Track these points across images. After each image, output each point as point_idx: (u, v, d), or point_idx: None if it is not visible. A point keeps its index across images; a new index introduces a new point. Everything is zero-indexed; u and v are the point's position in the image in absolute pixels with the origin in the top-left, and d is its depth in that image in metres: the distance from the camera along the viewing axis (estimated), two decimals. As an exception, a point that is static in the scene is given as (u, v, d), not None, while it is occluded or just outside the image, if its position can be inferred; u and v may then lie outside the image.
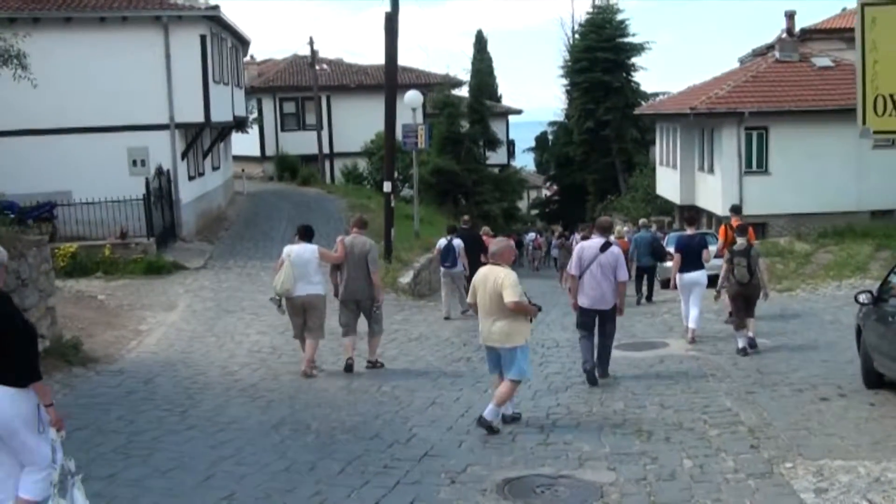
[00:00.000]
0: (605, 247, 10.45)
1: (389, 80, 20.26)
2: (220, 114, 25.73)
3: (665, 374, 11.06)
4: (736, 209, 15.54)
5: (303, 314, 11.14)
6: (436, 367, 12.15)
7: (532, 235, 41.13)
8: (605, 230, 11.00)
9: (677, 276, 13.51)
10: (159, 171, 22.94)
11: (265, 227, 27.28)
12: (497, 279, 8.29)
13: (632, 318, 16.34)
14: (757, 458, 7.28)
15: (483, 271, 8.61)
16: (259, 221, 28.56)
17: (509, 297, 8.16)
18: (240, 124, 32.14)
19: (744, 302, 12.36)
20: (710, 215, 29.50)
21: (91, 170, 22.18)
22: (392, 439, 8.26)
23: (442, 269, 17.08)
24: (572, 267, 10.71)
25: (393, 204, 20.30)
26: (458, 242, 16.88)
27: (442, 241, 17.20)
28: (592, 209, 49.07)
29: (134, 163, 23.75)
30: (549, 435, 8.38)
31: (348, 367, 11.34)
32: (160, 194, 22.84)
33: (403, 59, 45.19)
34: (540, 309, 8.72)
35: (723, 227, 15.38)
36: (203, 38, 23.94)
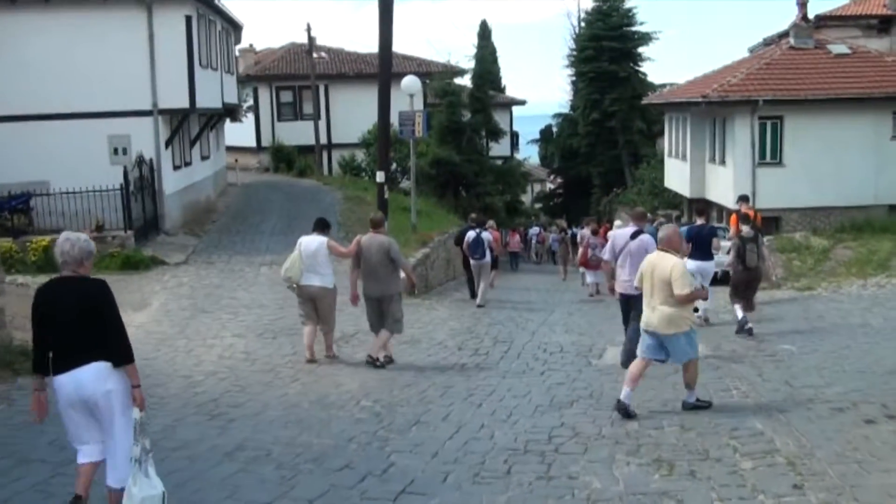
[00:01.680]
0: (635, 235, 11.07)
1: (384, 64, 18.98)
2: (207, 100, 24.45)
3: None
4: (744, 198, 16.10)
5: (312, 303, 11.34)
6: (425, 375, 10.90)
7: (536, 230, 39.86)
8: (640, 219, 11.67)
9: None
10: (140, 160, 21.68)
11: (255, 220, 26.03)
12: (666, 268, 8.40)
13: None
14: (803, 502, 6.02)
15: (652, 258, 8.76)
16: (249, 214, 27.31)
17: (679, 289, 8.27)
18: (231, 112, 30.85)
19: (749, 286, 13.18)
20: (721, 209, 28.17)
21: (70, 158, 20.90)
22: (365, 470, 7.01)
23: (472, 260, 18.25)
24: (606, 253, 11.54)
25: (387, 195, 19.04)
26: (486, 235, 18.28)
27: (471, 234, 18.22)
28: (598, 202, 47.83)
29: (115, 151, 22.43)
30: (550, 466, 7.13)
31: (369, 361, 11.27)
32: (141, 184, 21.59)
33: (409, 51, 43.94)
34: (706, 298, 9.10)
35: (734, 215, 15.72)
36: (188, 18, 22.65)
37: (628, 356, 10.30)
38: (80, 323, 5.55)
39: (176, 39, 22.42)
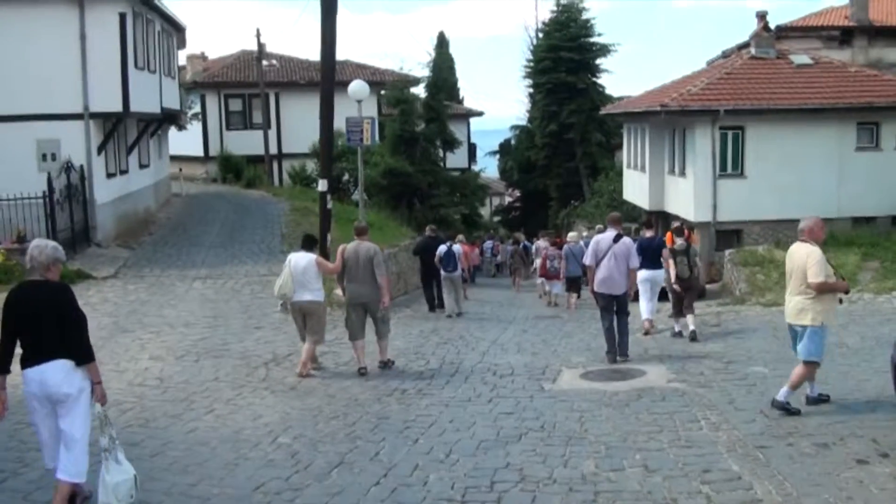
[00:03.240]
0: (617, 238, 11.99)
1: (326, 65, 17.73)
2: (143, 104, 23.03)
3: (646, 417, 8.71)
4: (681, 228, 15.95)
5: (303, 318, 11.40)
6: (359, 403, 9.71)
7: (489, 243, 38.97)
8: (616, 223, 12.47)
9: (639, 273, 13.93)
10: (68, 167, 20.26)
11: (195, 232, 24.64)
12: (802, 257, 8.33)
13: (592, 330, 14.19)
14: (796, 572, 4.95)
15: (791, 249, 8.68)
16: (190, 225, 25.91)
17: (812, 276, 8.15)
18: (172, 119, 29.39)
19: (684, 294, 13.86)
20: (682, 221, 27.34)
21: (-6, 164, 19.51)
22: (268, 529, 5.82)
23: (443, 272, 18.43)
24: (588, 258, 12.30)
25: (329, 205, 17.75)
26: (457, 248, 18.91)
27: (442, 248, 18.64)
28: (555, 215, 46.99)
29: (44, 157, 21.12)
30: (491, 521, 5.99)
31: (362, 373, 11.38)
32: (69, 193, 20.18)
33: (365, 62, 42.61)
34: (848, 291, 8.56)
35: (669, 232, 16.77)
36: (122, 16, 21.29)
37: (623, 348, 11.97)
38: (45, 323, 5.96)
39: (109, 38, 21.10)
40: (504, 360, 12.41)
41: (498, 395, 10.05)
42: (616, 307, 12.03)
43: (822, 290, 8.20)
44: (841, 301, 8.57)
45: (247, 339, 13.46)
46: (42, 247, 6.15)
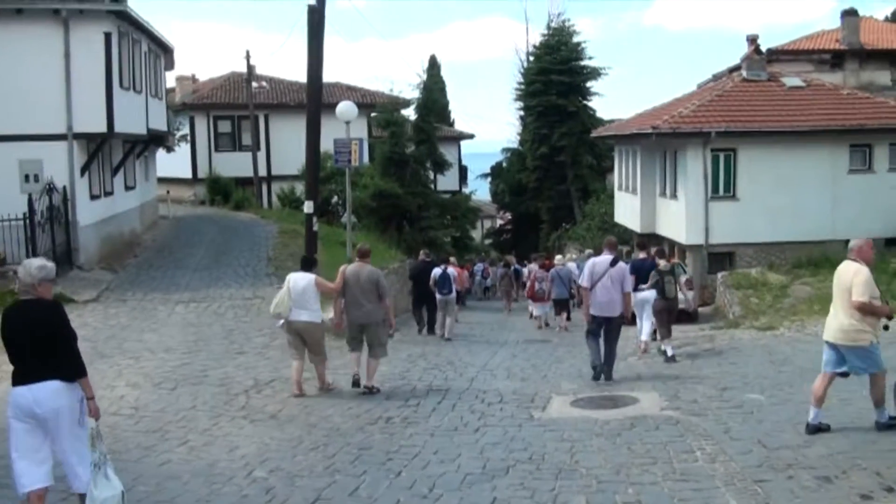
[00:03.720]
0: (614, 262, 12.22)
1: (312, 86, 17.51)
2: (128, 124, 22.70)
3: (639, 448, 8.36)
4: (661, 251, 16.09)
5: (300, 338, 11.43)
6: (341, 433, 9.32)
7: (480, 266, 38.74)
8: (613, 248, 12.68)
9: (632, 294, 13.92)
10: (50, 188, 19.88)
11: (180, 255, 24.24)
12: (848, 275, 8.16)
13: (583, 355, 13.81)
14: None
15: (839, 268, 8.49)
16: (176, 248, 25.51)
17: (857, 295, 8.00)
18: (158, 140, 29.03)
19: (667, 315, 14.32)
20: (673, 244, 27.10)
21: (-26, 186, 19.13)
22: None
23: (438, 295, 18.81)
24: (584, 280, 12.40)
25: (316, 227, 17.44)
26: (451, 271, 19.58)
27: (437, 271, 19.08)
28: (546, 238, 46.77)
29: (27, 178, 20.66)
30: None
31: (355, 383, 11.58)
32: (51, 214, 19.78)
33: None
34: (891, 317, 8.18)
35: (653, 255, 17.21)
36: (108, 35, 20.96)
37: (609, 373, 12.13)
38: (36, 341, 6.05)
39: (93, 58, 20.75)
40: (493, 387, 12.06)
41: (485, 424, 9.68)
42: (606, 330, 12.21)
43: (864, 310, 8.05)
44: (887, 328, 8.30)
45: (228, 364, 13.08)
46: (28, 266, 6.29)
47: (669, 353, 13.87)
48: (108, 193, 23.98)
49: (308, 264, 11.92)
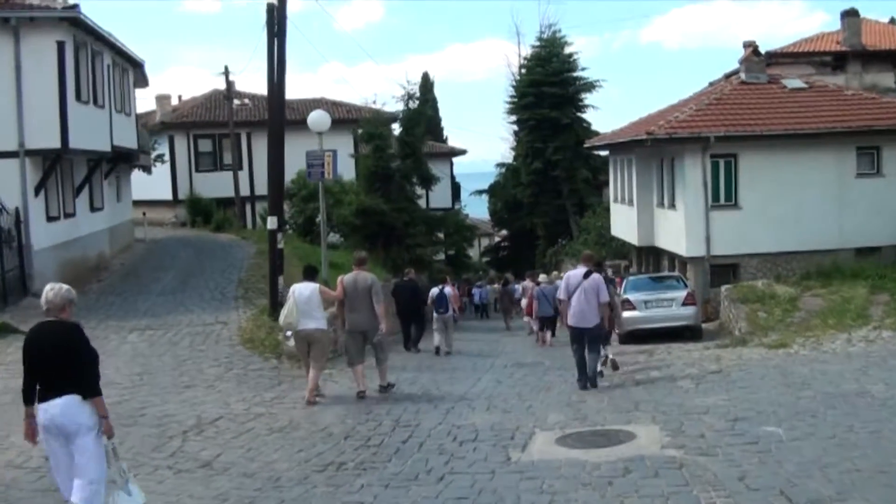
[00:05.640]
0: (587, 274, 12.54)
1: (273, 91, 16.07)
2: (87, 140, 21.24)
3: (634, 502, 6.81)
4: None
5: (307, 346, 11.81)
6: (278, 486, 7.79)
7: (478, 292, 37.47)
8: (588, 260, 13.02)
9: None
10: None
11: (147, 279, 22.73)
12: None
13: (575, 381, 12.69)
14: None
15: None
16: (144, 272, 24.01)
17: None
18: (126, 157, 27.55)
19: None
20: (673, 256, 25.62)
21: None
22: None
23: (435, 314, 19.56)
24: (561, 293, 12.94)
25: (281, 244, 15.97)
26: (448, 290, 20.36)
27: (434, 290, 20.09)
28: (543, 254, 45.30)
29: (-24, 199, 19.23)
30: None
31: (361, 396, 11.87)
32: (0, 238, 18.33)
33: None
34: None
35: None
36: (61, 45, 19.59)
37: (593, 380, 12.56)
38: (57, 360, 6.29)
39: (46, 69, 19.45)
40: (469, 421, 10.49)
41: (452, 471, 8.12)
42: (587, 340, 12.53)
43: None
44: None
45: (171, 400, 11.56)
46: (57, 290, 6.51)
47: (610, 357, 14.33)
48: (69, 215, 22.48)
49: (311, 273, 12.32)
